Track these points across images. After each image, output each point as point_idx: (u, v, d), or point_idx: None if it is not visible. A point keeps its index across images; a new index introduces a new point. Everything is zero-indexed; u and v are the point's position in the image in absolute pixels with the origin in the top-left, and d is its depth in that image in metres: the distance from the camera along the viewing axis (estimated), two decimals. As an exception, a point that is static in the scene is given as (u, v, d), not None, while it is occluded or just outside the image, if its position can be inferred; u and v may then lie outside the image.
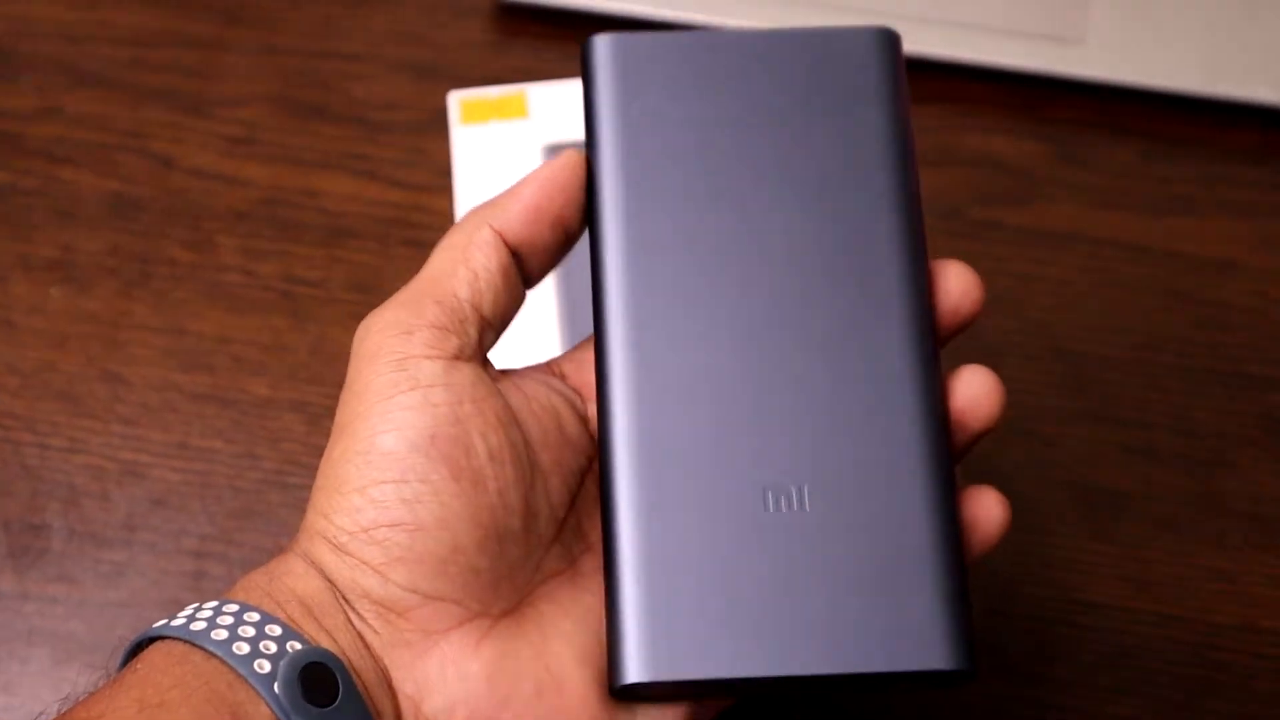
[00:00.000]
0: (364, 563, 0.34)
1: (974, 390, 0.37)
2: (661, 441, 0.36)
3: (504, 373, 0.38)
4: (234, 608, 0.34)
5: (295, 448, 0.52)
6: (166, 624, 0.34)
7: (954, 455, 0.37)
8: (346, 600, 0.35)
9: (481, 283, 0.37)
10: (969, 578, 0.36)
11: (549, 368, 0.40)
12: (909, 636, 0.34)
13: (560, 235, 0.39)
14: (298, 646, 0.33)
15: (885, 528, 0.35)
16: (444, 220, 0.57)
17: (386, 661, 0.34)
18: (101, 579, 0.50)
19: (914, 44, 0.60)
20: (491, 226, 0.38)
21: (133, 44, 0.61)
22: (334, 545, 0.35)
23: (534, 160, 0.56)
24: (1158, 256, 0.57)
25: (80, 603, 0.50)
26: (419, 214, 0.57)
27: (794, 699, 0.47)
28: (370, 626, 0.35)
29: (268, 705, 0.32)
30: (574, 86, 0.57)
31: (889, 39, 0.40)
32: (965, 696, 0.48)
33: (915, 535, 0.35)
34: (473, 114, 0.57)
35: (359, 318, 0.56)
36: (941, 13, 0.61)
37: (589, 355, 0.39)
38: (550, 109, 0.57)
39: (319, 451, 0.52)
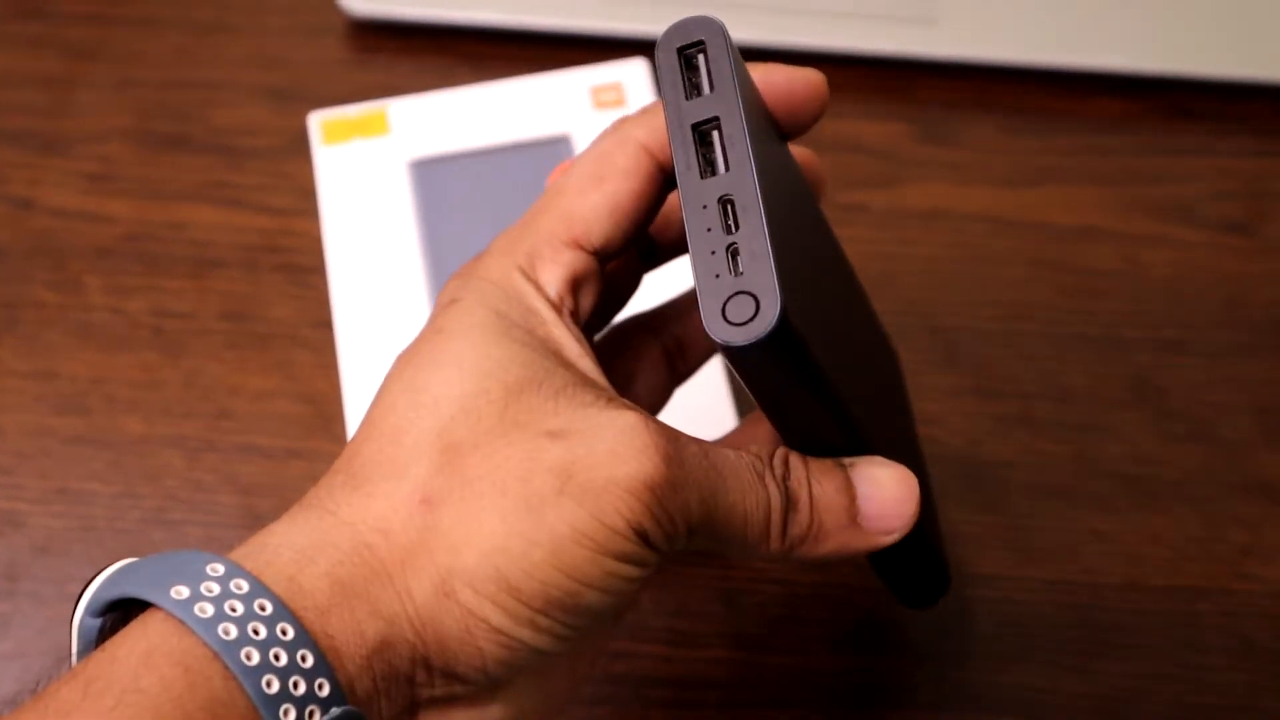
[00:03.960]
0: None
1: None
2: None
3: None
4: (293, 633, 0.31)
5: (175, 484, 0.52)
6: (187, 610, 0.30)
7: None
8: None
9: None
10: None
11: None
12: None
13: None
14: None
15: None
16: (312, 243, 0.56)
17: None
18: (-15, 633, 0.49)
19: (772, 34, 0.61)
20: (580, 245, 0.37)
21: (-18, 87, 0.60)
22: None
23: (398, 177, 0.55)
24: (1022, 228, 0.58)
25: (-36, 659, 0.49)
26: (287, 238, 0.57)
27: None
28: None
29: None
30: (434, 99, 0.57)
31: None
32: (862, 675, 0.49)
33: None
34: (334, 134, 0.56)
35: (233, 347, 0.56)
36: (795, 1, 0.62)
37: None
38: (411, 124, 0.57)
39: (199, 485, 0.52)
